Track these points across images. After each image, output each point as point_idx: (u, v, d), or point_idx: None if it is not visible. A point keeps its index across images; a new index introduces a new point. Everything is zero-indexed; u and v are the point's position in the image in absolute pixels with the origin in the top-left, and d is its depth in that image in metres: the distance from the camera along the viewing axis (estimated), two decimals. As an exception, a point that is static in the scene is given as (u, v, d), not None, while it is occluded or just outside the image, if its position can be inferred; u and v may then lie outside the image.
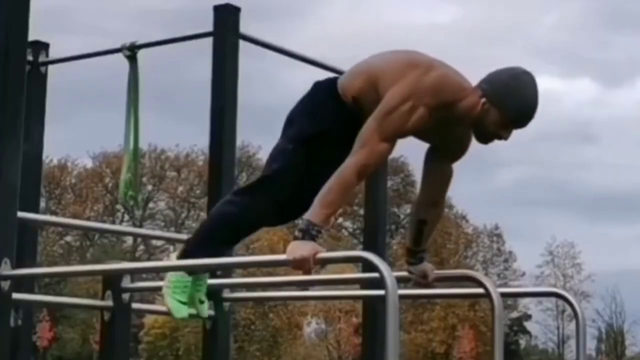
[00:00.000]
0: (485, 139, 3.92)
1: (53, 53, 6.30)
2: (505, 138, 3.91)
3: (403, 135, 3.84)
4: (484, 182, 65.90)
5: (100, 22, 59.92)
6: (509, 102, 3.79)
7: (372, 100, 3.85)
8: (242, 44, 5.62)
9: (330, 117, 3.97)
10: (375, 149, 3.75)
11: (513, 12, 67.46)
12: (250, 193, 4.07)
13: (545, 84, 68.56)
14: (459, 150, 4.09)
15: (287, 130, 4.08)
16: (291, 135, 4.02)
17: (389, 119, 3.74)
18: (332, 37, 59.28)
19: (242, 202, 4.05)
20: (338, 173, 3.73)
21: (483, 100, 3.79)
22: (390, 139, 3.77)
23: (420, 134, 3.95)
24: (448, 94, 3.80)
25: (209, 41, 5.59)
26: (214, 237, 4.13)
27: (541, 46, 67.85)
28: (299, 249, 3.62)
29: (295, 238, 3.66)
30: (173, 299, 4.17)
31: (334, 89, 4.00)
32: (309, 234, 3.64)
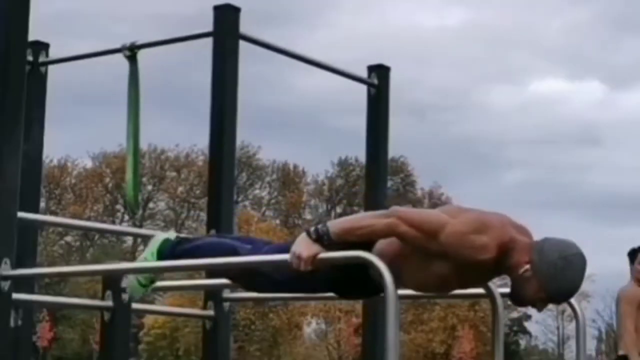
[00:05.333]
0: (518, 302, 3.87)
1: (55, 54, 6.30)
2: (539, 309, 3.88)
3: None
4: (489, 183, 66.01)
5: (105, 26, 59.96)
6: (550, 282, 3.72)
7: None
8: (247, 46, 5.64)
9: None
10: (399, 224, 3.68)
11: (521, 14, 67.55)
12: (251, 273, 4.06)
13: (552, 86, 68.90)
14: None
15: None
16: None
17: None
18: (341, 40, 59.38)
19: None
20: (377, 214, 3.74)
21: (527, 266, 3.71)
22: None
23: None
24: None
25: (210, 41, 5.60)
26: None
27: (549, 48, 67.91)
28: (303, 246, 3.65)
29: (308, 234, 3.67)
30: (135, 278, 4.41)
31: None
32: (321, 240, 3.65)
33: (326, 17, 68.85)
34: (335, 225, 3.71)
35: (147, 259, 4.37)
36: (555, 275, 3.69)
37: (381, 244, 3.77)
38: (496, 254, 3.67)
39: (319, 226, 3.69)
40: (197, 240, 4.38)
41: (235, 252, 4.08)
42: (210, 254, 4.10)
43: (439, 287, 3.88)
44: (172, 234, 4.44)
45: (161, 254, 4.33)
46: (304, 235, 3.68)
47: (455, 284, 3.84)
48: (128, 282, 4.41)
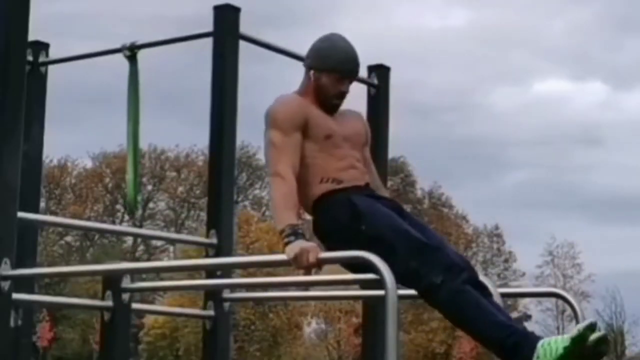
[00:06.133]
0: (332, 104, 4.21)
1: (55, 54, 6.30)
2: (345, 92, 4.22)
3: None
4: (490, 183, 66.00)
5: (106, 26, 59.90)
6: (329, 60, 4.15)
7: None
8: (247, 46, 5.64)
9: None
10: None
11: (523, 15, 67.40)
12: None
13: (554, 87, 68.85)
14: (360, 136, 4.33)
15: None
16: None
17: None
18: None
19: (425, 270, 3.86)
20: (272, 187, 4.06)
21: (311, 72, 4.18)
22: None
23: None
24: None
25: (210, 42, 5.60)
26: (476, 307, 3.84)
27: (551, 49, 67.81)
28: (301, 245, 3.78)
29: (287, 244, 3.83)
30: None
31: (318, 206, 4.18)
32: (296, 234, 3.84)
33: (328, 18, 68.77)
34: (278, 221, 3.95)
35: None
36: (325, 51, 4.18)
37: (300, 192, 4.09)
38: (301, 94, 4.19)
39: (283, 233, 3.88)
40: None
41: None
42: None
43: (338, 142, 4.18)
44: None
45: None
46: (289, 246, 3.83)
47: (338, 132, 4.17)
48: None
